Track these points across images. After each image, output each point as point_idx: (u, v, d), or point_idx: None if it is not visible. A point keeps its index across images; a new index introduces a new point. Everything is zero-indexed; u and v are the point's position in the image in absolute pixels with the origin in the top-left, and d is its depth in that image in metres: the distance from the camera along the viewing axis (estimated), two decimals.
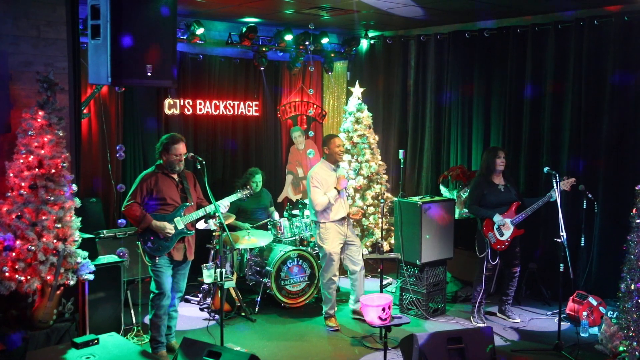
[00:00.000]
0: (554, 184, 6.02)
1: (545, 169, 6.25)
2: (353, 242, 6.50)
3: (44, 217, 5.00)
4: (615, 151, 7.00)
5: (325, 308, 6.53)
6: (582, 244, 6.52)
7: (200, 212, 5.55)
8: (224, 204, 5.69)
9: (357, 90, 8.56)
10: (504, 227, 6.36)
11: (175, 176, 5.57)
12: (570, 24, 7.29)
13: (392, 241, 8.07)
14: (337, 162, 6.43)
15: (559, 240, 5.81)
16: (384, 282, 6.84)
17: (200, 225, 6.25)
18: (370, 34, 9.44)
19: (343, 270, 6.83)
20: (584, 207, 6.30)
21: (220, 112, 8.62)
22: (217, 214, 5.39)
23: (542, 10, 7.42)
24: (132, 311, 6.35)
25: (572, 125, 7.34)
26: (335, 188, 6.26)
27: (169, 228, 5.38)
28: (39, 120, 5.04)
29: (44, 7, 5.54)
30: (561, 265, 5.80)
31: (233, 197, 5.92)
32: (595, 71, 7.13)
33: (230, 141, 8.79)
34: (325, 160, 6.48)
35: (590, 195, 6.28)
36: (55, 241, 5.05)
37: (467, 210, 6.74)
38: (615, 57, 6.93)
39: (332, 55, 9.44)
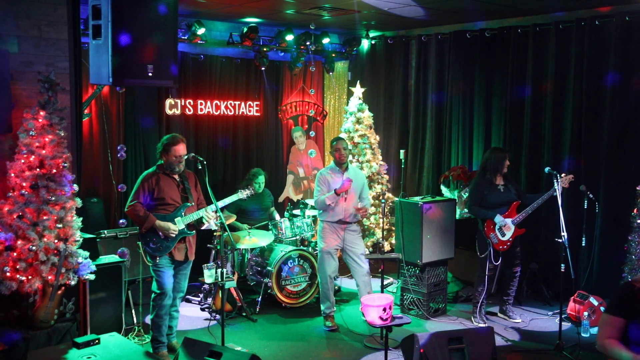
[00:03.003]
0: (555, 184, 6.02)
1: (546, 169, 6.25)
2: (352, 249, 6.44)
3: (45, 217, 5.01)
4: (616, 151, 7.00)
5: (322, 307, 6.52)
6: (583, 244, 6.52)
7: (201, 212, 5.55)
8: (212, 209, 5.57)
9: (358, 90, 8.56)
10: (505, 227, 6.36)
11: (176, 176, 5.57)
12: (571, 24, 7.28)
13: (393, 241, 8.07)
14: (341, 164, 6.44)
15: (560, 240, 5.80)
16: (385, 282, 6.83)
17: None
18: (371, 34, 9.45)
19: (344, 271, 6.81)
20: (585, 207, 6.30)
21: (221, 112, 8.62)
22: (218, 214, 5.40)
23: (543, 10, 7.41)
24: (133, 311, 6.34)
25: (573, 125, 7.33)
26: (334, 190, 6.26)
27: (173, 228, 5.38)
28: (40, 120, 5.05)
29: (45, 7, 5.55)
30: (562, 265, 5.81)
31: (234, 197, 5.93)
32: (596, 71, 7.13)
33: (231, 141, 8.79)
34: (334, 162, 6.54)
35: (591, 195, 6.28)
36: (56, 241, 5.06)
37: (467, 211, 6.74)
38: (616, 57, 6.93)
39: (333, 55, 9.45)
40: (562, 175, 6.29)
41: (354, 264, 6.44)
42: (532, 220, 6.65)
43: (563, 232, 5.78)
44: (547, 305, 7.20)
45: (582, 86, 7.23)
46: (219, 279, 5.08)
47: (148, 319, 5.78)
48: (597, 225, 6.98)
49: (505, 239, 6.38)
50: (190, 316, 6.77)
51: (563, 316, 6.07)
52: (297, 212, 7.76)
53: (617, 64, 6.93)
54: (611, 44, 6.97)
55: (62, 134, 5.17)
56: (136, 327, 6.17)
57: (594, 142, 7.18)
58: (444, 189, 8.21)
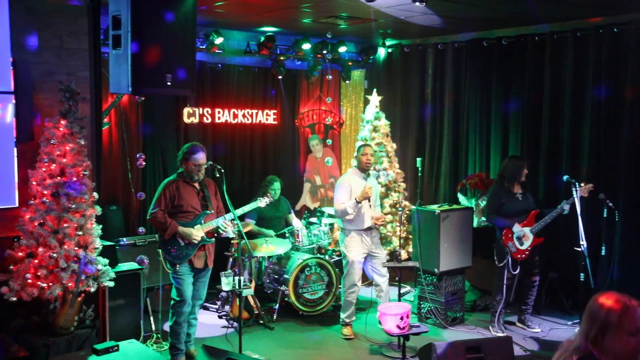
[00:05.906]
0: (574, 192, 5.98)
1: (565, 177, 6.21)
2: (377, 255, 6.48)
3: (65, 225, 5.07)
4: (636, 159, 6.92)
5: (343, 315, 6.51)
6: (603, 253, 6.46)
7: (220, 220, 5.58)
8: (229, 217, 5.60)
9: (375, 99, 8.57)
10: (524, 237, 6.32)
11: (196, 184, 5.61)
12: (589, 32, 7.23)
13: (410, 249, 8.04)
14: (365, 170, 6.46)
15: (580, 249, 5.76)
16: (402, 290, 6.82)
17: None
18: (388, 42, 9.46)
19: (364, 279, 6.80)
20: (605, 215, 6.25)
21: (239, 121, 8.67)
22: (235, 222, 5.44)
23: (559, 18, 7.37)
24: (152, 318, 6.38)
25: (592, 133, 7.27)
26: (355, 198, 6.25)
27: (196, 234, 5.41)
28: (61, 129, 5.13)
29: (66, 17, 5.64)
30: (581, 274, 5.76)
31: (253, 205, 5.98)
32: (615, 78, 7.07)
33: (248, 149, 8.83)
34: (356, 168, 6.54)
35: (610, 204, 6.22)
36: (76, 248, 5.11)
37: (485, 219, 6.71)
38: (635, 64, 6.87)
39: (350, 63, 9.46)
40: (582, 184, 6.24)
41: (377, 271, 6.43)
42: (550, 229, 6.59)
43: (582, 241, 5.73)
44: (566, 314, 7.12)
45: (601, 93, 7.16)
46: (237, 287, 5.11)
47: (167, 326, 5.81)
48: (616, 234, 6.90)
49: (523, 247, 6.34)
50: (208, 324, 6.80)
51: None
52: (314, 220, 7.76)
53: (635, 71, 6.86)
54: (629, 51, 6.91)
55: (82, 143, 5.24)
56: (155, 334, 6.20)
57: (613, 150, 7.10)
58: (461, 197, 8.17)
